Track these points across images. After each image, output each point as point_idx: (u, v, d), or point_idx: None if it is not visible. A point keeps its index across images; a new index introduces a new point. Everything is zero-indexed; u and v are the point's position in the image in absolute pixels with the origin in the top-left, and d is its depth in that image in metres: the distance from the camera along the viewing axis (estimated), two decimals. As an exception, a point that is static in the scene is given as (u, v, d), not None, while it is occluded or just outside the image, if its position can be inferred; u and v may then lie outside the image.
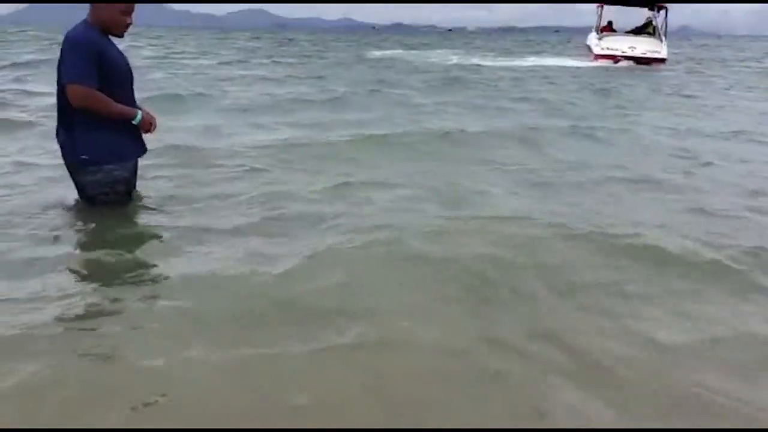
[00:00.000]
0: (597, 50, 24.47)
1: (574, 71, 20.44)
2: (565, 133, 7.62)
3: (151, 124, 3.82)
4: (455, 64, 23.21)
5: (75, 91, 3.49)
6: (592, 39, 26.08)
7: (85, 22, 3.65)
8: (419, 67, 21.25)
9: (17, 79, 12.60)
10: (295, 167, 5.43)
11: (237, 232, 3.67)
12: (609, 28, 26.18)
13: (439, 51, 35.21)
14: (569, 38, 66.38)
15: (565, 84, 15.54)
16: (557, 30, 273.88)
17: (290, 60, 22.78)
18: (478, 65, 22.80)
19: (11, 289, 2.85)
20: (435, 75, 16.80)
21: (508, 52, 35.33)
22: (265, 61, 22.16)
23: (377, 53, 31.11)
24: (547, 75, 18.33)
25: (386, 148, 6.39)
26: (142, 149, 3.94)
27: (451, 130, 7.39)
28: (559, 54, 32.92)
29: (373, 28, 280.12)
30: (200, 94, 10.74)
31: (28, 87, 11.08)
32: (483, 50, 37.77)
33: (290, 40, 48.13)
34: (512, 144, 6.84)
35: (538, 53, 34.08)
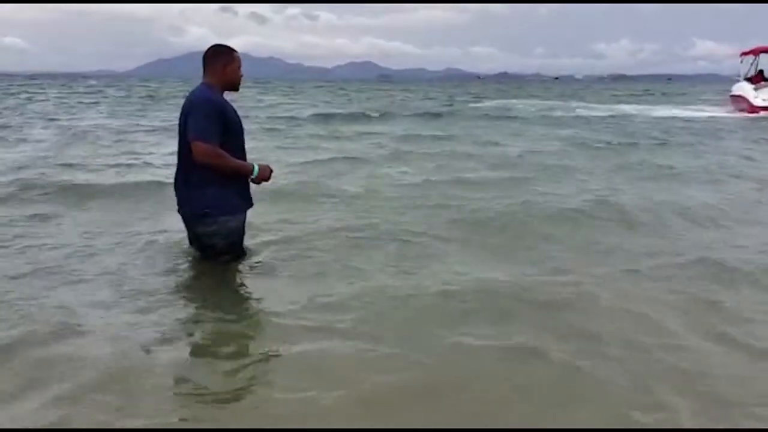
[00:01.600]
0: (757, 102, 22.56)
1: (750, 125, 18.83)
2: None
3: (271, 172, 4.13)
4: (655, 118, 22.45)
5: (199, 147, 3.75)
6: (746, 89, 23.89)
7: (206, 84, 3.96)
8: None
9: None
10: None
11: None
12: (762, 78, 24.43)
13: (579, 103, 34.34)
14: (687, 86, 63.82)
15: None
16: (669, 78, 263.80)
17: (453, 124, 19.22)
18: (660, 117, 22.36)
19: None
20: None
21: (653, 102, 35.56)
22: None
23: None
24: (731, 129, 17.19)
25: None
26: (250, 202, 4.19)
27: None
28: (707, 104, 31.64)
29: (478, 77, 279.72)
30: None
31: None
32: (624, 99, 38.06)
33: (433, 92, 47.57)
34: None
35: (681, 104, 33.15)
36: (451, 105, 31.54)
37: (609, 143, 13.03)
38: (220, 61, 3.94)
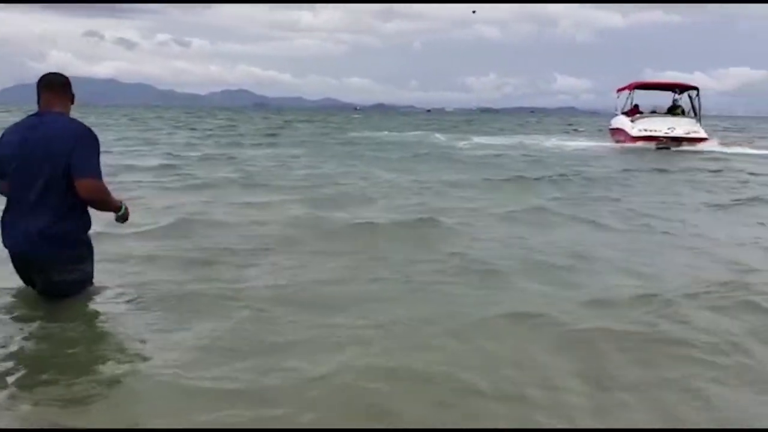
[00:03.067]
0: (635, 132, 23.26)
1: (634, 153, 19.70)
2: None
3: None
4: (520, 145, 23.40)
5: (94, 185, 3.56)
6: (624, 121, 24.66)
7: (64, 114, 3.70)
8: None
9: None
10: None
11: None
12: (637, 111, 25.12)
13: (462, 135, 33.19)
14: (543, 117, 75.31)
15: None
16: (532, 111, 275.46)
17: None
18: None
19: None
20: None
21: (530, 132, 35.67)
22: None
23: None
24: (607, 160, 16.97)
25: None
26: None
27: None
28: (576, 135, 32.99)
29: (356, 108, 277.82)
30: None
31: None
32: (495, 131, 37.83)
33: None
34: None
35: (553, 134, 34.13)
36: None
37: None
38: (70, 92, 3.79)
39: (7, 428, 2.11)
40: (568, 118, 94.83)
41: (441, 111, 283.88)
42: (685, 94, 25.07)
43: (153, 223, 6.47)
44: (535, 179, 11.62)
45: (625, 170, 13.94)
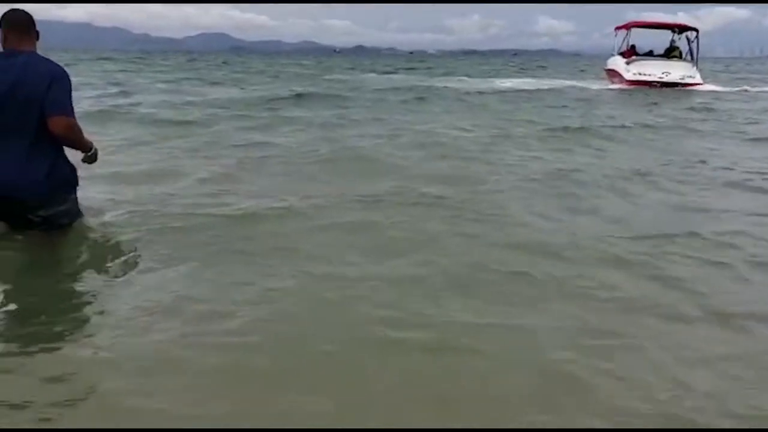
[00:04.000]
0: (629, 76, 22.76)
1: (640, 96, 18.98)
2: None
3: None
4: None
5: (69, 123, 3.60)
6: (619, 63, 23.95)
7: (37, 53, 3.67)
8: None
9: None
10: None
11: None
12: (633, 52, 24.22)
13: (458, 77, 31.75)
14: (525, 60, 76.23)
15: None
16: (515, 53, 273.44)
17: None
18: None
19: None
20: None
21: (521, 74, 35.18)
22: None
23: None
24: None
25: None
26: None
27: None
28: (566, 76, 32.06)
29: (335, 51, 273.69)
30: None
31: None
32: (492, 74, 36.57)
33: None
34: None
35: (548, 76, 32.98)
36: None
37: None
38: (35, 29, 3.72)
39: (7, 428, 2.14)
40: (553, 59, 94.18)
41: (423, 53, 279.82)
42: (684, 36, 24.31)
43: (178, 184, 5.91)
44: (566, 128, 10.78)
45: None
